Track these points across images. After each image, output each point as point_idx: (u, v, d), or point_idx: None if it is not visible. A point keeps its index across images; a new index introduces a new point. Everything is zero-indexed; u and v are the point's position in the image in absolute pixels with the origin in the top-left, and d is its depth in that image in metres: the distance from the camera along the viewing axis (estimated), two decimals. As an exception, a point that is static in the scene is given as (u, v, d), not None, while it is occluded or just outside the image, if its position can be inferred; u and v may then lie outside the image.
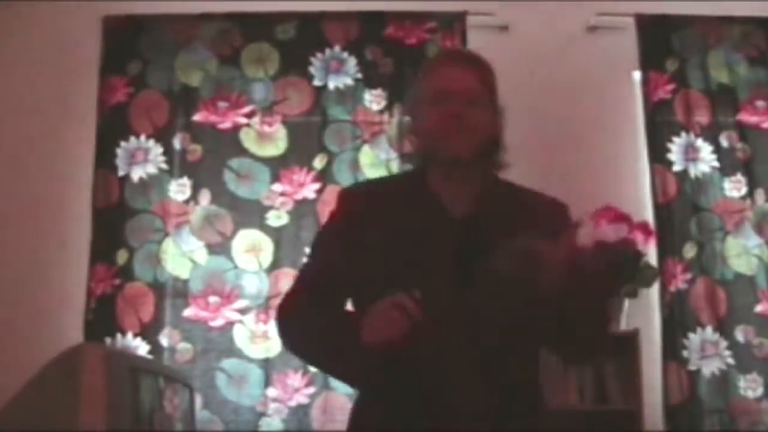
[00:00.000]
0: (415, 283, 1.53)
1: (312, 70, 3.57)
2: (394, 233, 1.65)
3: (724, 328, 3.37)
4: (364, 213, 1.70)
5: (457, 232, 1.65)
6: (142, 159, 3.49)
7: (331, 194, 3.44)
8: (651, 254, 3.41)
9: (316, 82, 3.56)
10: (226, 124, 3.54)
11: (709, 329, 3.36)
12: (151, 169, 3.48)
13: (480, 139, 1.67)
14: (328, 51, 3.59)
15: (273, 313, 3.35)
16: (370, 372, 1.59)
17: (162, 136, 3.52)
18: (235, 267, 3.42)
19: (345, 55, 3.59)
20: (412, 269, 1.61)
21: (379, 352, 1.52)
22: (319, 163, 3.48)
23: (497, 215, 1.66)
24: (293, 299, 1.76)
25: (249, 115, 3.54)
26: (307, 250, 3.36)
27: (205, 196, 3.47)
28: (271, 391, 3.29)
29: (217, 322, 3.36)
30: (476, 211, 1.67)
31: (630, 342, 3.20)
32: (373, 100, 3.54)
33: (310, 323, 1.69)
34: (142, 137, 3.51)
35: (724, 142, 3.55)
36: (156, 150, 3.50)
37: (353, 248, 1.67)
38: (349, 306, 1.74)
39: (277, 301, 3.34)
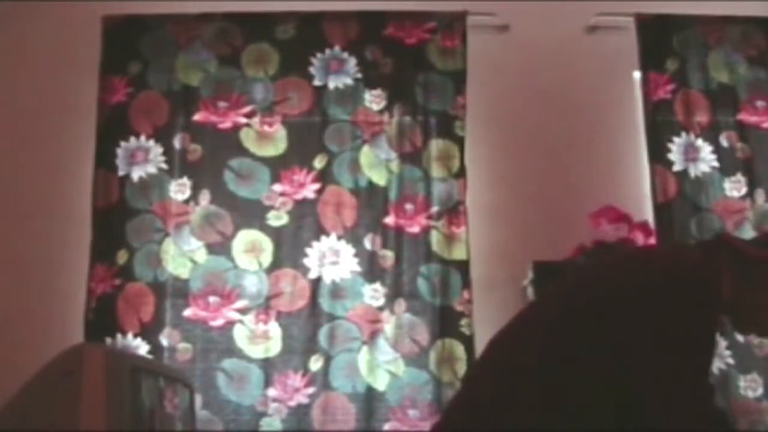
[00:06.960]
0: None
1: (312, 70, 3.57)
2: None
3: (724, 328, 3.36)
4: None
5: None
6: (142, 159, 3.49)
7: (331, 194, 3.44)
8: (651, 254, 3.41)
9: (316, 82, 3.56)
10: (226, 124, 3.54)
11: (709, 329, 3.36)
12: (151, 169, 3.48)
13: None
14: (328, 51, 3.59)
15: (273, 313, 3.39)
16: None
17: (162, 136, 3.51)
18: (235, 267, 3.41)
19: (345, 55, 3.59)
20: None
21: None
22: (319, 163, 3.47)
23: None
24: None
25: (249, 115, 3.54)
26: (308, 249, 3.40)
27: (205, 196, 3.47)
28: (271, 391, 3.29)
29: (217, 322, 3.36)
30: None
31: (630, 342, 3.20)
32: (373, 100, 3.54)
33: None
34: (142, 137, 3.51)
35: (724, 142, 3.55)
36: (156, 150, 3.50)
37: None
38: None
39: (277, 301, 3.39)
